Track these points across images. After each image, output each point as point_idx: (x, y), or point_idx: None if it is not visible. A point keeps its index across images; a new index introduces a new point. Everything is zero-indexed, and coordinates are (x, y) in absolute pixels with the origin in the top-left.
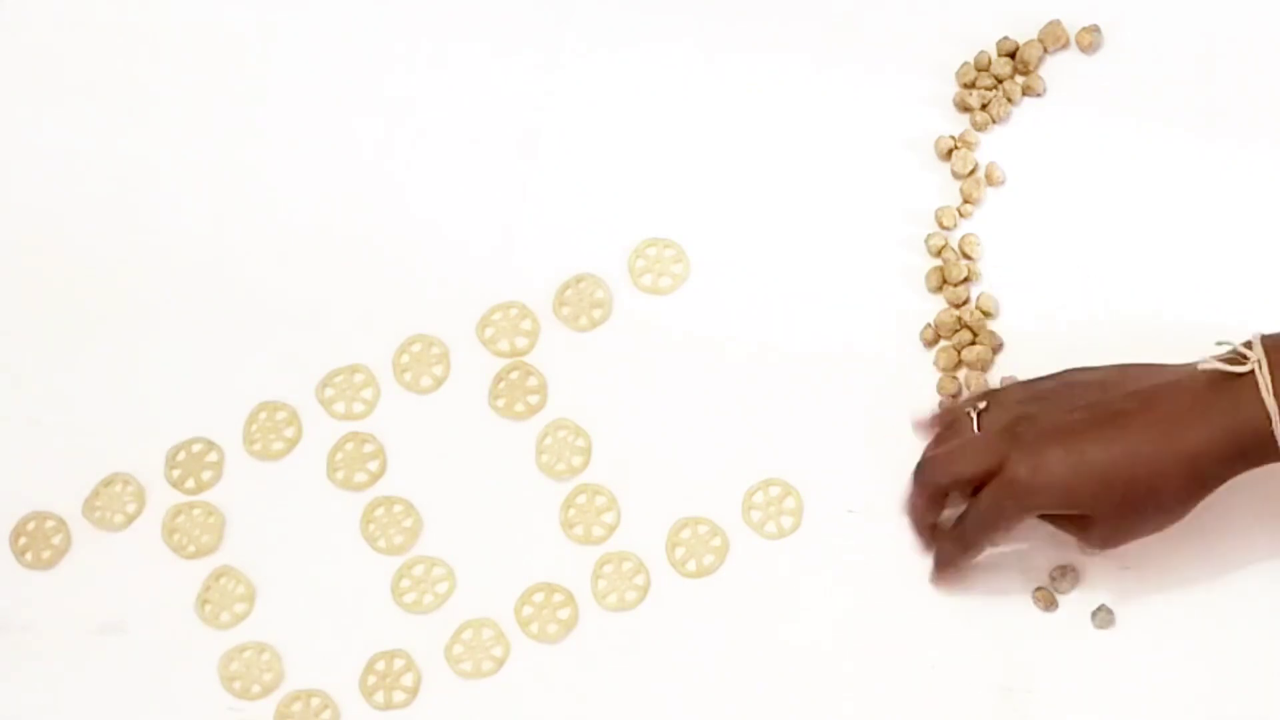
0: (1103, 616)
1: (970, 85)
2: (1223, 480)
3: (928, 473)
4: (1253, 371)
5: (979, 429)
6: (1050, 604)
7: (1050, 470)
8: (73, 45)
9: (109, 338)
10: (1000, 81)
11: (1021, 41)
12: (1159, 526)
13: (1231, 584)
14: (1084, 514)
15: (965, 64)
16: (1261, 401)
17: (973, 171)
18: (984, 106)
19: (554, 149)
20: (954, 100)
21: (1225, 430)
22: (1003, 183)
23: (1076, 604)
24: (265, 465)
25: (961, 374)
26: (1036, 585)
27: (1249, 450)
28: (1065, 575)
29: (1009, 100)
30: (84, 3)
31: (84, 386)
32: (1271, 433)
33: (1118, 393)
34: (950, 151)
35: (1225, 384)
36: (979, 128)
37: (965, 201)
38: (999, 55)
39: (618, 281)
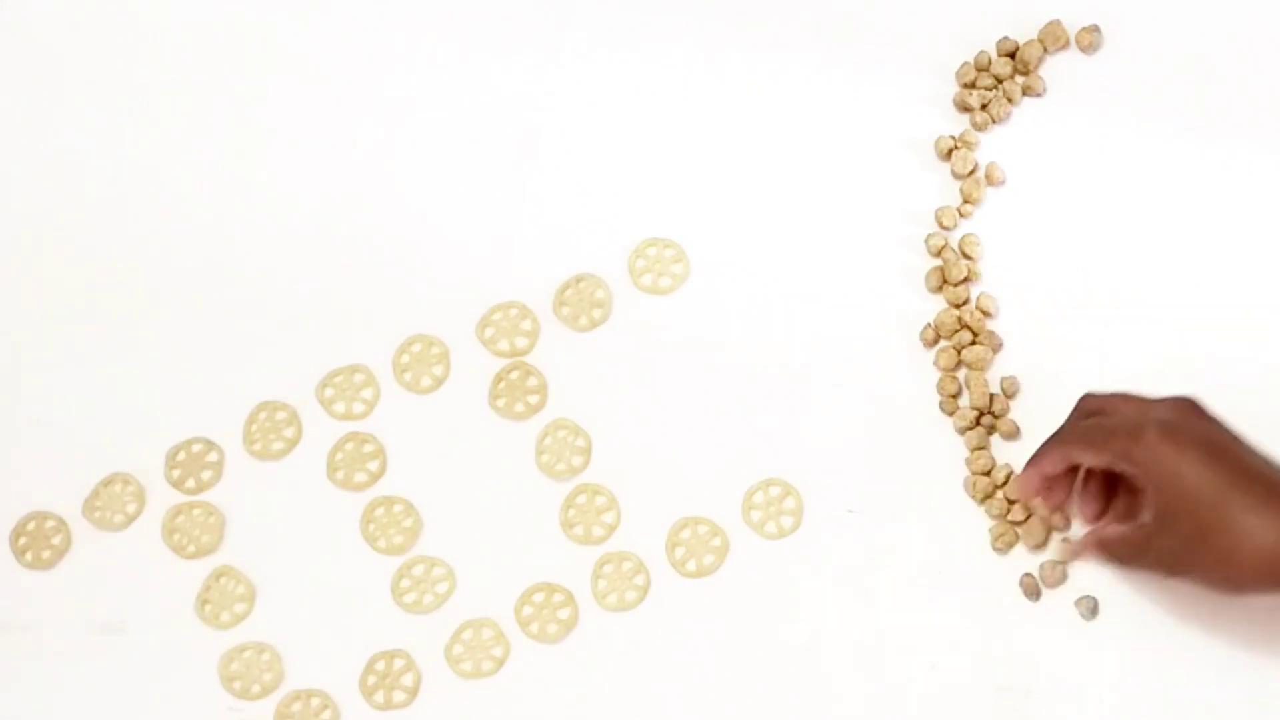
0: (1086, 604)
1: (970, 85)
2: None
3: (1088, 396)
4: None
5: None
6: (1034, 592)
7: (1173, 450)
8: (73, 45)
9: (109, 338)
10: (1000, 81)
11: (1021, 41)
12: (1212, 583)
13: None
14: (1159, 513)
15: (965, 64)
16: None
17: (972, 171)
18: (984, 106)
19: (554, 149)
20: (954, 100)
21: None
22: (1003, 183)
23: (1075, 604)
24: (265, 465)
25: (961, 374)
26: (1025, 572)
27: None
28: (1054, 570)
29: (1009, 100)
30: (84, 3)
31: (84, 386)
32: None
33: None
34: (950, 151)
35: None
36: (979, 128)
37: (965, 201)
38: (999, 55)
39: (618, 281)
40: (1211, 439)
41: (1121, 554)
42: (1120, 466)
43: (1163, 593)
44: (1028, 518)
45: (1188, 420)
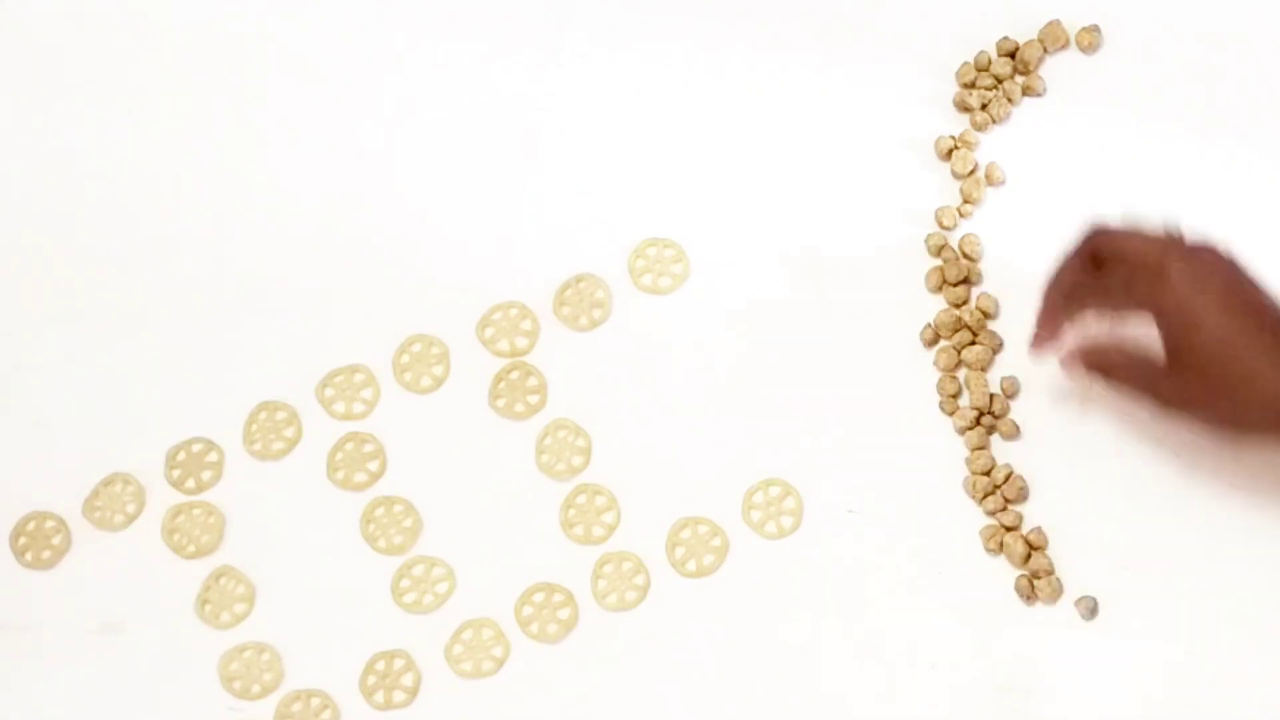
0: (1086, 604)
1: (970, 85)
2: None
3: (1098, 231)
4: None
5: None
6: (1030, 595)
7: (1196, 293)
8: (73, 45)
9: (109, 338)
10: (1000, 81)
11: (1021, 41)
12: (1214, 425)
13: (1226, 578)
14: (1174, 354)
15: (965, 64)
16: None
17: (972, 171)
18: (984, 106)
19: (554, 149)
20: (954, 100)
21: None
22: (1002, 183)
23: (1075, 604)
24: (265, 465)
25: (961, 374)
26: (1019, 573)
27: None
28: (1047, 578)
29: (1009, 100)
30: (84, 3)
31: (84, 386)
32: None
33: None
34: (950, 151)
35: None
36: (979, 128)
37: (965, 201)
38: (999, 55)
39: (618, 281)
40: (1232, 282)
41: (1125, 380)
42: (1140, 310)
43: (1163, 592)
44: (1012, 529)
45: (1211, 263)
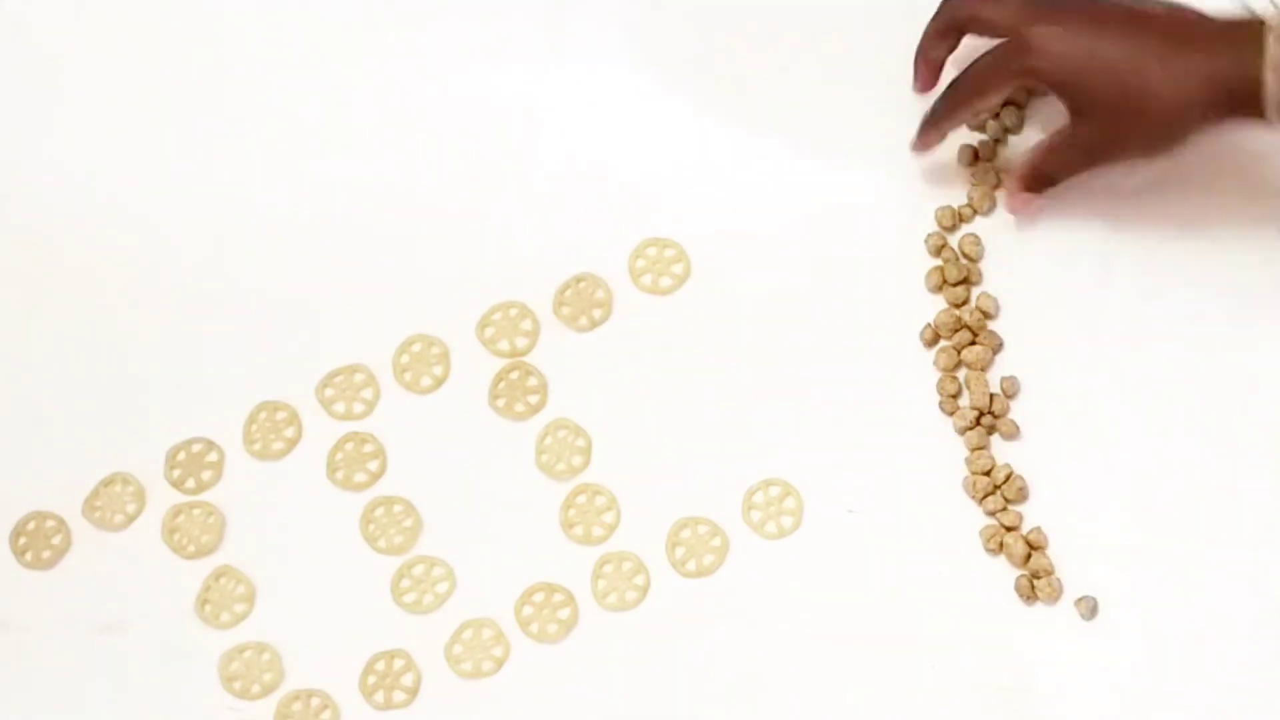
0: (1086, 604)
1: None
2: (1204, 123)
3: (952, 3)
4: (1263, 29)
5: None
6: (1030, 595)
7: (1065, 42)
8: (73, 45)
9: (109, 338)
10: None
11: None
12: (1141, 147)
13: (1226, 578)
14: (1075, 106)
15: None
16: (1260, 61)
17: (995, 183)
18: (998, 115)
19: (554, 149)
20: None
21: (1224, 71)
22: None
23: (1075, 604)
24: (265, 465)
25: (961, 374)
26: (1019, 573)
27: (1236, 100)
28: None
29: (1017, 105)
30: (84, 3)
31: (84, 386)
32: (1257, 92)
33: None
34: (971, 164)
35: (1237, 33)
36: (994, 138)
37: (975, 211)
38: None
39: (618, 281)
40: (1092, 11)
41: (1056, 166)
42: (1028, 85)
43: (1163, 592)
44: (1011, 529)
45: (1066, 5)
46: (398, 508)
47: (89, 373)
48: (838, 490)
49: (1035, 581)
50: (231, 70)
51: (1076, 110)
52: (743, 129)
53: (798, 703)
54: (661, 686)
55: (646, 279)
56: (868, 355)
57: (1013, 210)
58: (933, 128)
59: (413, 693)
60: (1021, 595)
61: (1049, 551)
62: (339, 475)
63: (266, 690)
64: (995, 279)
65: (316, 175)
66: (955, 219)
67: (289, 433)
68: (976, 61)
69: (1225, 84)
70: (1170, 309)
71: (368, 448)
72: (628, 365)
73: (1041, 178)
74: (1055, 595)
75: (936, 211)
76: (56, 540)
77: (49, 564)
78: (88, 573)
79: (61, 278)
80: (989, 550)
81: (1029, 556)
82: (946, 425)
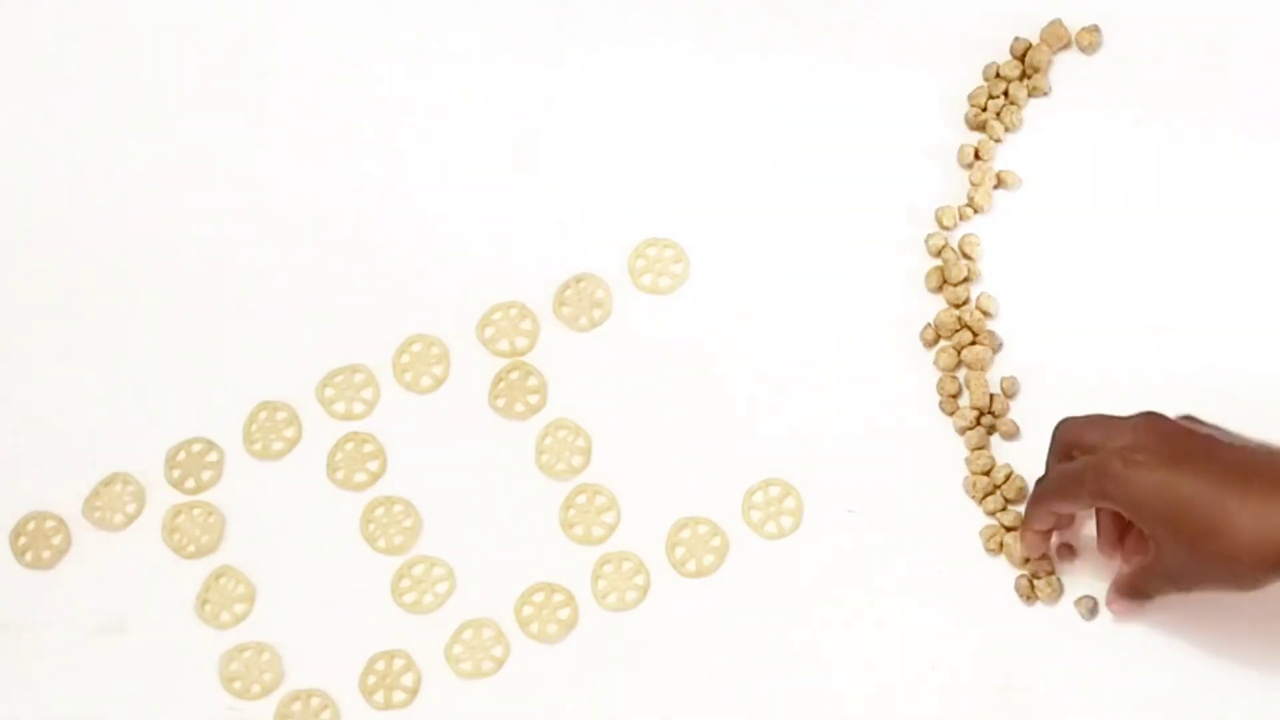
0: (1086, 604)
1: (982, 107)
2: None
3: (1062, 424)
4: None
5: None
6: (1030, 595)
7: (1142, 471)
8: (73, 45)
9: (109, 337)
10: (1008, 83)
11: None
12: (1226, 582)
13: None
14: (1151, 536)
15: (979, 86)
16: None
17: (996, 185)
18: (998, 115)
19: (554, 149)
20: (967, 119)
21: None
22: (1018, 185)
23: (1075, 604)
24: (265, 465)
25: (961, 374)
26: (1019, 574)
27: None
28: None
29: (1016, 105)
30: (84, 3)
31: (84, 386)
32: None
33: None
34: (971, 163)
35: None
36: (996, 139)
37: (971, 208)
38: (1011, 57)
39: (618, 281)
40: (1177, 447)
41: (1141, 588)
42: (1101, 505)
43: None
44: (1012, 529)
45: (1149, 437)
46: (398, 508)
47: (89, 373)
48: (838, 490)
49: (1035, 581)
50: (231, 71)
51: (1157, 540)
52: (743, 129)
53: (797, 702)
54: (661, 686)
55: (646, 279)
56: (868, 355)
57: (1116, 614)
58: (1032, 535)
59: (413, 693)
60: (1021, 595)
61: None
62: (339, 475)
63: (266, 690)
64: (995, 279)
65: (316, 176)
66: (955, 219)
67: (289, 433)
68: (1062, 469)
69: None
70: (1174, 306)
71: (368, 448)
72: (628, 365)
73: (1137, 594)
74: (1055, 595)
75: (936, 211)
76: (56, 540)
77: (49, 564)
78: (88, 573)
79: (62, 278)
80: (989, 550)
81: (1028, 558)
82: (946, 425)
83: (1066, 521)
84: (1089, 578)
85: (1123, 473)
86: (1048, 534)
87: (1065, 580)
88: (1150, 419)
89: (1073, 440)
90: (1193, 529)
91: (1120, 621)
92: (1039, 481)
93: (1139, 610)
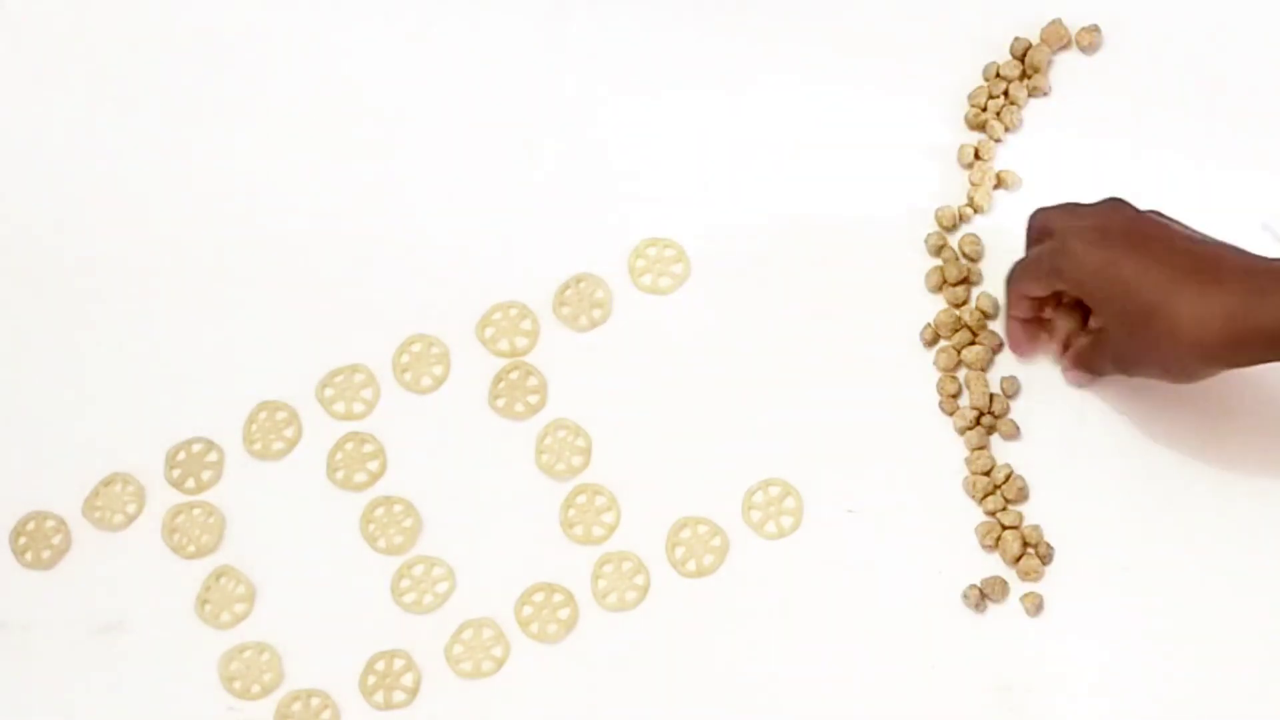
0: (1085, 604)
1: (982, 108)
2: (1224, 359)
3: (1035, 214)
4: None
5: None
6: (979, 602)
7: (1095, 254)
8: (73, 45)
9: (109, 337)
10: (1009, 83)
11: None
12: (1160, 370)
13: (1226, 578)
14: (1097, 315)
15: (980, 86)
16: None
17: (994, 184)
18: (998, 114)
19: (554, 149)
20: (966, 119)
21: (1246, 310)
22: (1019, 186)
23: (1076, 604)
24: (265, 465)
25: (961, 374)
26: (969, 583)
27: (1260, 340)
28: (995, 586)
29: (1016, 105)
30: (84, 3)
31: (84, 386)
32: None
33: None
34: (971, 164)
35: (1267, 273)
36: (996, 139)
37: (971, 208)
38: (1011, 57)
39: (618, 281)
40: (1135, 232)
41: (1089, 364)
42: (1060, 287)
43: (1163, 593)
44: (1011, 529)
45: (1110, 220)
46: (398, 508)
47: (89, 373)
48: (838, 490)
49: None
50: (232, 71)
51: (1107, 320)
52: (743, 128)
53: (797, 703)
54: (661, 686)
55: (646, 279)
56: (868, 355)
57: (1070, 382)
58: (1014, 324)
59: (413, 693)
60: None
61: (1048, 551)
62: (339, 475)
63: (266, 690)
64: (995, 279)
65: (317, 176)
66: (955, 219)
67: (289, 433)
68: (1028, 253)
69: (1247, 322)
70: None
71: (368, 448)
72: (628, 365)
73: (1088, 368)
74: (1036, 576)
75: (936, 211)
76: (56, 540)
77: (49, 564)
78: (88, 573)
79: (62, 277)
80: (985, 547)
81: (1020, 557)
82: (946, 425)
83: (1046, 313)
84: (1089, 578)
85: (1083, 253)
86: (1031, 325)
87: (1065, 580)
88: (1114, 204)
89: (1042, 225)
90: (1136, 310)
91: (1075, 387)
92: (1013, 266)
93: (1090, 382)
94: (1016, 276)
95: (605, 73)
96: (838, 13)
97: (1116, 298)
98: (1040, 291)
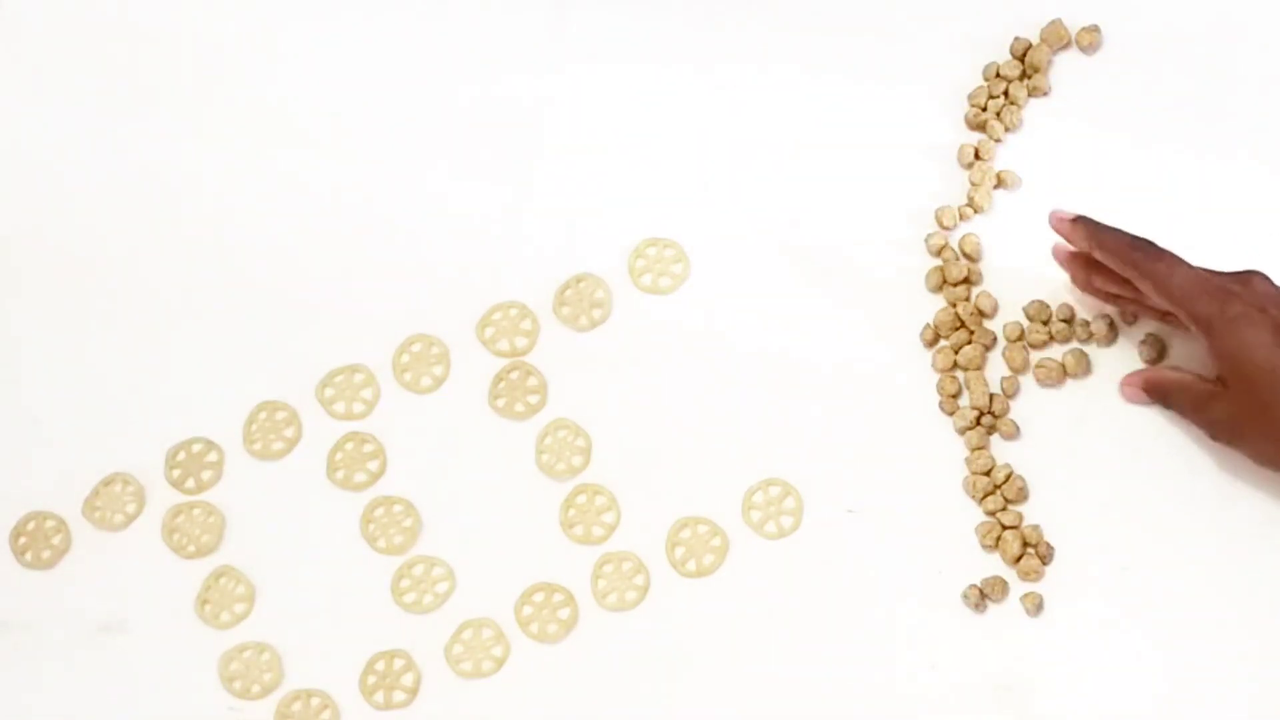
0: (1085, 604)
1: (982, 107)
2: None
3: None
4: None
5: None
6: (979, 602)
7: (1256, 322)
8: (73, 45)
9: (109, 338)
10: (1009, 83)
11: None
12: (1262, 456)
13: (1226, 578)
14: (1225, 378)
15: (980, 86)
16: None
17: (994, 184)
18: (998, 115)
19: (554, 149)
20: (967, 118)
21: None
22: (1018, 186)
23: (1076, 604)
24: (265, 465)
25: (961, 374)
26: (969, 583)
27: None
28: (995, 586)
29: (1016, 105)
30: (84, 3)
31: (84, 386)
32: None
33: None
34: (971, 164)
35: None
36: (996, 139)
37: (971, 208)
38: (1011, 57)
39: (618, 281)
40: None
41: (1177, 402)
42: (1196, 327)
43: (1163, 592)
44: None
45: (1264, 293)
46: (398, 508)
47: (89, 373)
48: (838, 490)
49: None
50: (231, 72)
51: (1227, 383)
52: (743, 129)
53: (797, 703)
54: (661, 686)
55: (646, 279)
56: (868, 355)
57: (1124, 394)
58: (1090, 247)
59: (413, 693)
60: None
61: (1048, 550)
62: (339, 475)
63: (266, 690)
64: (995, 279)
65: (317, 176)
66: (955, 219)
67: (289, 433)
68: (1199, 272)
69: None
70: None
71: (368, 448)
72: (628, 365)
73: (1157, 396)
74: (1035, 576)
75: (936, 211)
76: (56, 540)
77: (49, 564)
78: (88, 573)
79: (62, 277)
80: (985, 547)
81: (1020, 557)
82: (946, 425)
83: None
84: (1089, 578)
85: (1241, 320)
86: (1087, 268)
87: (1064, 580)
88: (1261, 275)
89: (1146, 275)
90: (1267, 395)
91: (1123, 397)
92: (1136, 244)
93: (1145, 403)
94: (1161, 272)
95: (605, 73)
96: (838, 13)
97: (1254, 375)
98: (1162, 305)
